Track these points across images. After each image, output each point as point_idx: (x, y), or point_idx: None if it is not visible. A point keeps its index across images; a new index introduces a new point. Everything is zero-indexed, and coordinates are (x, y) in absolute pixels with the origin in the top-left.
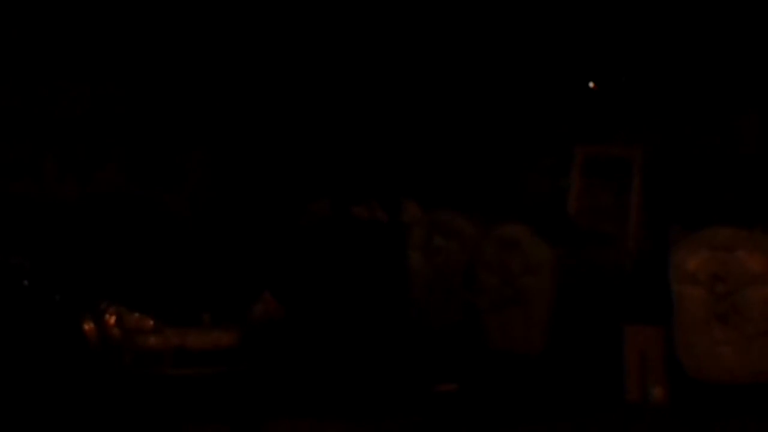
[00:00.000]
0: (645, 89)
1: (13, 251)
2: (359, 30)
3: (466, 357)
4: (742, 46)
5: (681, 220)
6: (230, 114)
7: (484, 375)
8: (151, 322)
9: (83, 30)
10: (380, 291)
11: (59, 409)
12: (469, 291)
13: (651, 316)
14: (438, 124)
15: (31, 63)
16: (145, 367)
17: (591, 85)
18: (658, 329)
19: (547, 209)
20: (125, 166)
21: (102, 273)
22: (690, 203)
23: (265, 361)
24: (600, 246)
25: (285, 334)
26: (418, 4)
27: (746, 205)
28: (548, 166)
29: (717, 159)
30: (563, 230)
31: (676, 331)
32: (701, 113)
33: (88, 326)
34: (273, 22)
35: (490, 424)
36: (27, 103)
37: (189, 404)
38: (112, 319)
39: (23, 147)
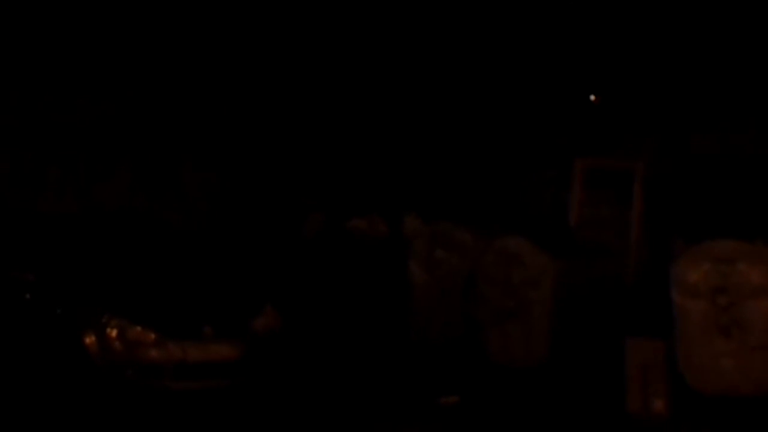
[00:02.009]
0: (646, 102)
1: (15, 264)
2: (360, 44)
3: (467, 369)
4: (742, 59)
5: (682, 232)
6: (231, 128)
7: (485, 387)
8: (153, 336)
9: (84, 45)
10: (381, 303)
11: (61, 422)
12: (470, 303)
13: (652, 328)
14: (439, 136)
15: (32, 77)
16: (147, 380)
17: (592, 97)
18: (660, 341)
19: (549, 221)
20: (126, 180)
21: (104, 286)
22: (691, 215)
23: (267, 374)
24: (601, 258)
25: (287, 346)
26: (419, 17)
27: (747, 218)
28: (550, 179)
29: (718, 171)
30: (564, 242)
31: (678, 343)
32: (702, 125)
33: (90, 339)
34: (271, 37)
35: None
36: (28, 117)
37: (191, 417)
38: (114, 333)
39: (25, 160)
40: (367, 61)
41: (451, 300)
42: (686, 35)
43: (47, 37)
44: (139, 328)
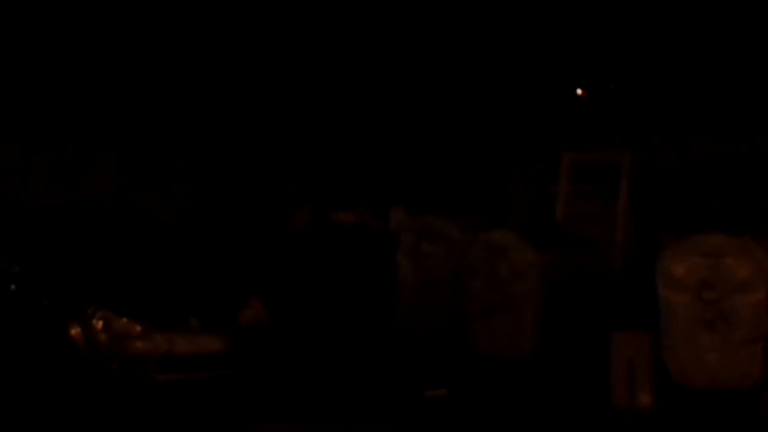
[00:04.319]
0: (632, 95)
1: (1, 255)
2: (348, 39)
3: (453, 362)
4: (730, 53)
5: (669, 226)
6: (219, 120)
7: (471, 381)
8: (139, 328)
9: (74, 35)
10: (368, 296)
11: (46, 414)
12: (457, 296)
13: (638, 322)
14: (427, 130)
15: (20, 68)
16: (133, 372)
17: (579, 91)
18: (646, 335)
19: (535, 215)
20: (113, 171)
21: (90, 278)
22: (678, 209)
23: (253, 367)
24: (588, 252)
25: (273, 339)
26: (406, 14)
27: (734, 212)
28: (536, 172)
29: (705, 165)
30: (551, 236)
31: (664, 337)
32: (690, 119)
33: (75, 331)
34: (261, 31)
35: (479, 429)
36: (16, 107)
37: (177, 409)
38: (100, 324)
39: (11, 151)
40: (354, 55)
41: (437, 293)
42: (673, 29)
43: (33, 27)
44: (124, 320)
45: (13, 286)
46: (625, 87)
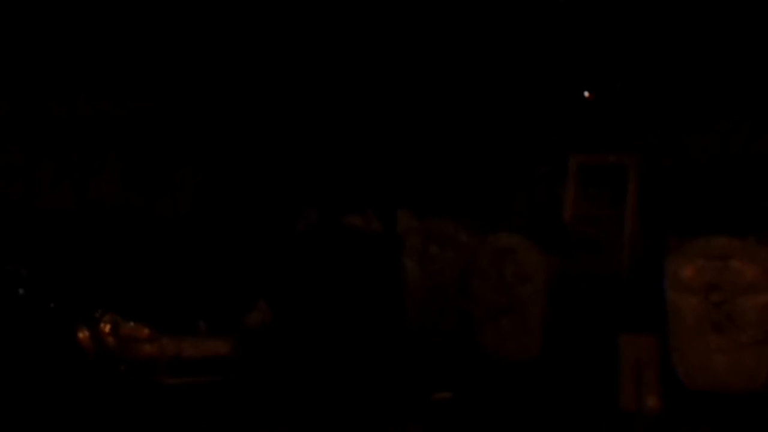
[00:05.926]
0: (640, 97)
1: (9, 259)
2: (354, 40)
3: (460, 365)
4: (735, 55)
5: (676, 228)
6: (225, 123)
7: (478, 383)
8: (147, 331)
9: (79, 39)
10: (375, 299)
11: (54, 417)
12: (464, 299)
13: (646, 324)
14: (434, 133)
15: (27, 71)
16: (141, 375)
17: (586, 93)
18: (653, 338)
19: (543, 217)
20: (120, 175)
21: (98, 281)
22: (685, 212)
23: (261, 370)
24: (595, 254)
25: (280, 342)
26: (412, 14)
27: (741, 214)
28: (543, 175)
29: (712, 168)
30: (558, 238)
31: (671, 339)
32: (696, 121)
33: (83, 334)
34: (266, 34)
35: None
36: (22, 111)
37: (184, 413)
38: (108, 328)
39: (19, 154)
40: (361, 57)
41: (444, 295)
42: (680, 31)
43: (41, 32)
44: (132, 323)
45: (21, 290)
46: (632, 89)
